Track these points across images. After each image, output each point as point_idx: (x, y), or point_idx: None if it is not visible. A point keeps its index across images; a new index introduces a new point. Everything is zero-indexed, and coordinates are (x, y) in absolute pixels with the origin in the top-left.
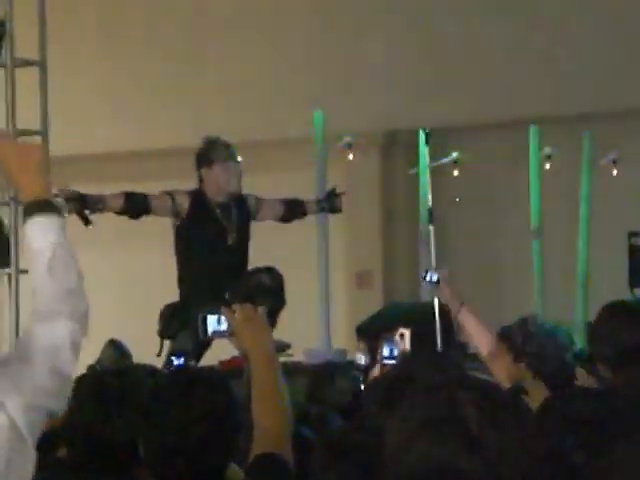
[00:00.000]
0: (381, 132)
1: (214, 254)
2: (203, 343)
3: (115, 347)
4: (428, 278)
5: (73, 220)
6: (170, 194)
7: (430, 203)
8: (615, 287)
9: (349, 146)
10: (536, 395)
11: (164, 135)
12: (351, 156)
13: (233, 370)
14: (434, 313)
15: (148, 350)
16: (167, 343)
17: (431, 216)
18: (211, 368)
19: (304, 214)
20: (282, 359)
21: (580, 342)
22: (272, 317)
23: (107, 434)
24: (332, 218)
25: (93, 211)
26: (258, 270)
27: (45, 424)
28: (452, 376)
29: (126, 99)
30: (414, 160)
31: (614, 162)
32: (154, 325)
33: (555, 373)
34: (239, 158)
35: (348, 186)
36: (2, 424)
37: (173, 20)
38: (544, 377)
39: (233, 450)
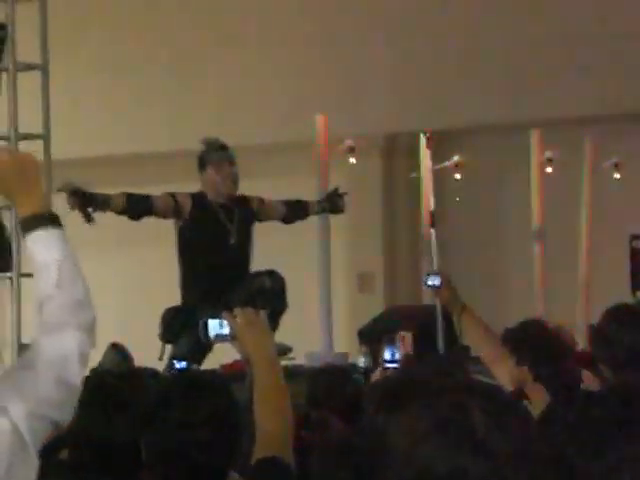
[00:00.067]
0: (382, 135)
1: (216, 255)
2: (205, 347)
3: (117, 351)
4: (430, 282)
5: (74, 224)
6: (172, 195)
7: (432, 206)
8: (617, 289)
9: (351, 149)
10: (538, 398)
11: (165, 139)
12: (353, 159)
13: (235, 374)
14: (436, 316)
15: (150, 354)
16: (169, 347)
17: (433, 219)
18: (213, 371)
19: (306, 215)
20: (283, 362)
21: (582, 344)
22: (274, 320)
23: (109, 437)
24: (334, 221)
25: (95, 209)
26: (260, 273)
27: (49, 434)
28: (458, 380)
29: (127, 103)
30: (416, 163)
31: (615, 165)
32: (155, 329)
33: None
34: (233, 159)
35: (349, 189)
36: (5, 429)
37: (173, 22)
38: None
39: (235, 454)
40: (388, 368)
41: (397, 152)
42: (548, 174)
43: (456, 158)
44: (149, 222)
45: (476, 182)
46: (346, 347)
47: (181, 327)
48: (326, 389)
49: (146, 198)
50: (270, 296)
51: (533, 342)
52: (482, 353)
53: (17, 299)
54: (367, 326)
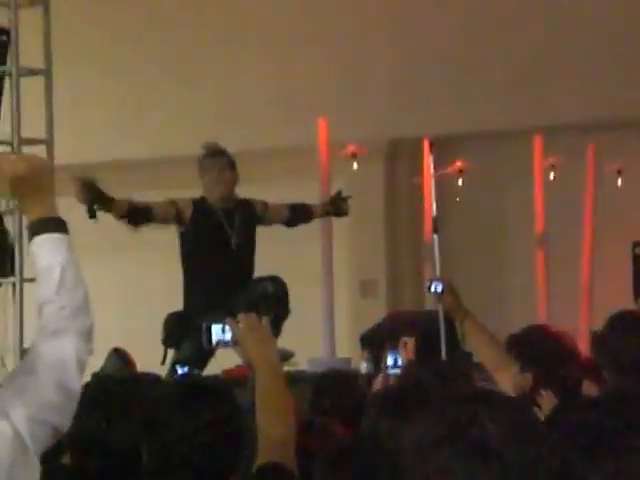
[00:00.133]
0: (385, 141)
1: (216, 259)
2: (207, 352)
3: (119, 356)
4: (433, 288)
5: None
6: (173, 202)
7: (434, 212)
8: (619, 296)
9: (353, 155)
10: (548, 405)
11: (167, 144)
12: (355, 165)
13: (237, 379)
14: (438, 322)
15: (152, 358)
16: (171, 352)
17: (435, 225)
18: (215, 377)
19: (310, 218)
20: (286, 368)
21: (584, 350)
22: (276, 326)
23: (111, 442)
24: (336, 227)
25: (100, 207)
26: (262, 279)
27: (50, 439)
28: (471, 388)
29: (130, 108)
30: (418, 169)
31: (618, 172)
32: (157, 333)
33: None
34: (224, 164)
35: (352, 194)
36: (6, 434)
37: (174, 27)
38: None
39: (237, 459)
40: (391, 374)
41: (399, 157)
42: (550, 180)
43: (458, 164)
44: (151, 226)
45: (478, 188)
46: (348, 353)
47: (183, 332)
48: (329, 394)
49: (147, 207)
50: (273, 302)
51: (537, 348)
52: (484, 359)
53: (20, 304)
54: (369, 332)
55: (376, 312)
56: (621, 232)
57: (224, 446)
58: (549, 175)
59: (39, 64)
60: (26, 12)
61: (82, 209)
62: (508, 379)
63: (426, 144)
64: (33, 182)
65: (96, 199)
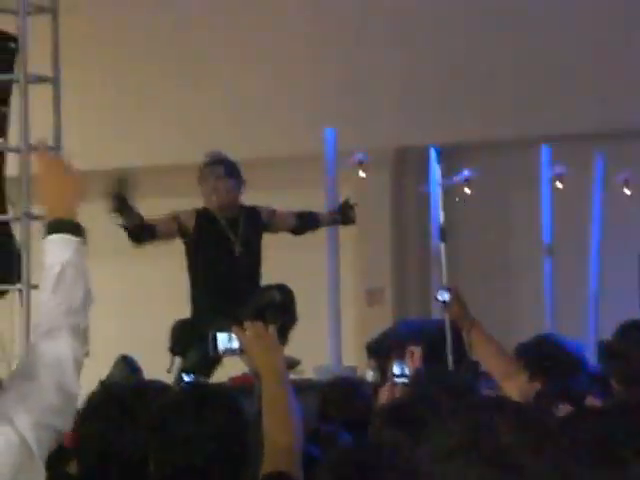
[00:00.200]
0: (392, 149)
1: (220, 267)
2: (214, 360)
3: (126, 363)
4: (440, 297)
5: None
6: (175, 216)
7: (442, 221)
8: (627, 305)
9: (360, 163)
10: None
11: (176, 151)
12: (362, 173)
13: (243, 387)
14: (445, 331)
15: (158, 366)
16: (177, 359)
17: (442, 234)
18: (221, 385)
19: (317, 226)
20: (292, 376)
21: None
22: (283, 334)
23: (117, 450)
24: (343, 235)
25: (124, 219)
26: (269, 287)
27: (53, 442)
28: (485, 396)
29: (137, 116)
30: (425, 177)
31: (625, 181)
32: (164, 341)
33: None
34: (219, 173)
35: (358, 203)
36: (12, 440)
37: (186, 36)
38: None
39: (243, 467)
40: (397, 383)
41: (407, 166)
42: (558, 190)
43: (466, 173)
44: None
45: (486, 197)
46: (354, 361)
47: (190, 340)
48: (336, 403)
49: (151, 225)
50: (280, 310)
51: (547, 358)
52: (492, 368)
53: (27, 311)
54: (376, 340)
55: (382, 321)
56: (628, 242)
57: (230, 454)
58: (556, 184)
59: (46, 71)
60: (35, 19)
61: (91, 213)
62: (515, 388)
63: (434, 153)
64: (53, 184)
65: (121, 210)
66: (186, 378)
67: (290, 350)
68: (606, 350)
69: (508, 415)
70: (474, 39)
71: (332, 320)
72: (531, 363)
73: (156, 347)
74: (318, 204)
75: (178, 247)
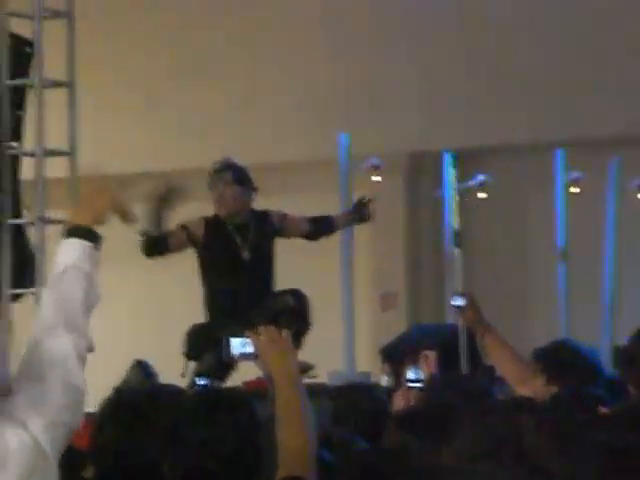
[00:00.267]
0: (407, 154)
1: (229, 272)
2: (228, 365)
3: (141, 368)
4: (454, 302)
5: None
6: (183, 227)
7: (456, 226)
8: None
9: (375, 168)
10: None
11: (189, 155)
12: (377, 178)
13: (257, 391)
14: (459, 336)
15: (175, 370)
16: (191, 364)
17: (457, 239)
18: (235, 389)
19: (332, 230)
20: (306, 381)
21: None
22: (297, 339)
23: (133, 454)
24: (357, 239)
25: (154, 219)
26: (283, 292)
27: (68, 440)
28: (513, 399)
29: (152, 120)
30: (440, 182)
31: None
32: (178, 345)
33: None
34: (223, 180)
35: (373, 208)
36: (26, 442)
37: (200, 40)
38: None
39: (257, 472)
40: (412, 388)
41: (421, 171)
42: (573, 195)
43: (481, 177)
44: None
45: (501, 202)
46: (367, 366)
47: (205, 344)
48: (350, 408)
49: (164, 239)
50: (294, 315)
51: (564, 362)
52: (506, 373)
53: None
54: (390, 345)
55: (396, 325)
56: None
57: (245, 458)
58: (571, 189)
59: (61, 75)
60: (50, 24)
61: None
62: (530, 393)
63: (449, 158)
64: (87, 196)
65: (159, 214)
66: (200, 382)
67: (304, 355)
68: (622, 355)
69: (536, 418)
70: (490, 43)
71: (346, 325)
72: (548, 367)
73: (173, 351)
74: (332, 209)
75: (194, 253)
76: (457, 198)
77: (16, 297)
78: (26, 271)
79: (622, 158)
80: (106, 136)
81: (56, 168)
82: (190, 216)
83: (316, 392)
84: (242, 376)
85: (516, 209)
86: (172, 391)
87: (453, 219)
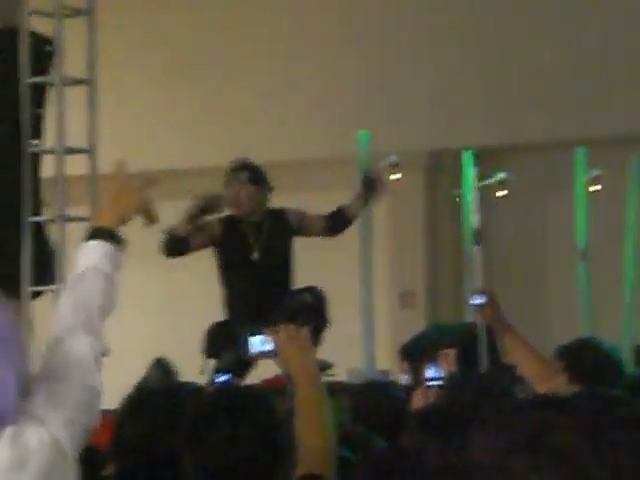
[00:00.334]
0: (426, 152)
1: (241, 272)
2: (247, 363)
3: (161, 365)
4: (473, 301)
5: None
6: (201, 227)
7: (476, 224)
8: None
9: (394, 165)
10: None
11: (210, 154)
12: (396, 176)
13: (276, 389)
14: (478, 334)
15: (192, 368)
16: (211, 362)
17: (477, 237)
18: (254, 386)
19: (349, 219)
20: (325, 379)
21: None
22: (316, 337)
23: (153, 452)
24: (375, 237)
25: (188, 221)
26: (301, 290)
27: (85, 440)
28: (544, 396)
29: (172, 118)
30: (459, 180)
31: None
32: (198, 343)
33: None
34: (238, 179)
35: (392, 206)
36: (45, 440)
37: (220, 39)
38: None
39: (277, 469)
40: (431, 386)
41: (441, 169)
42: (593, 193)
43: (500, 175)
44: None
45: (521, 200)
46: (386, 364)
47: (224, 342)
48: (369, 406)
49: (184, 239)
50: (312, 313)
51: (589, 361)
52: (527, 372)
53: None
54: (409, 343)
55: (415, 324)
56: None
57: (264, 456)
58: (591, 188)
59: (80, 73)
60: (68, 21)
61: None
62: (551, 392)
63: (469, 156)
64: (112, 197)
65: (195, 218)
66: (219, 378)
67: (323, 353)
68: None
69: (570, 416)
70: (509, 42)
71: (365, 323)
72: (571, 366)
73: (194, 348)
74: None
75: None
76: (477, 196)
77: (36, 295)
78: (46, 269)
79: None
80: (127, 134)
81: (76, 166)
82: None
83: (335, 390)
84: (260, 374)
85: (536, 207)
86: (192, 388)
87: (472, 217)
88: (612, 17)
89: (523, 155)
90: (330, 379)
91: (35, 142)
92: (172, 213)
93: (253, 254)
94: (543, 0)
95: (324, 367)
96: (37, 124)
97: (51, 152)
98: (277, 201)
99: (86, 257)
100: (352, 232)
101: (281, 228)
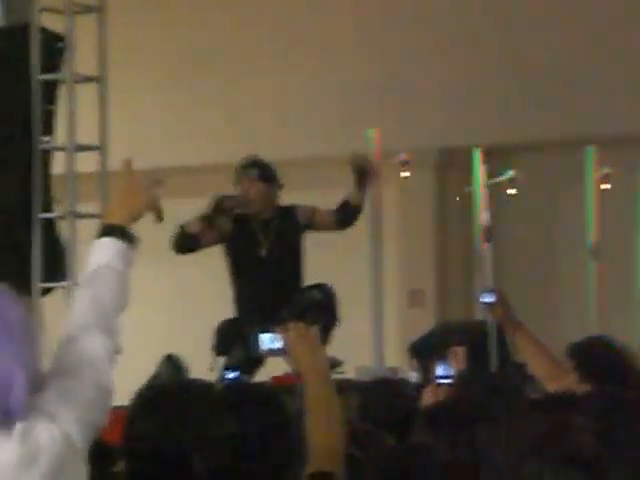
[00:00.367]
0: (436, 149)
1: (248, 268)
2: (257, 360)
3: (171, 362)
4: (484, 299)
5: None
6: (212, 224)
7: (486, 222)
8: None
9: (404, 163)
10: None
11: (220, 151)
12: (406, 173)
13: (285, 386)
14: (488, 332)
15: (202, 365)
16: (220, 359)
17: (487, 234)
18: (264, 383)
19: (357, 212)
20: (334, 376)
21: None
22: (325, 334)
23: (164, 449)
24: (385, 235)
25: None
26: (310, 287)
27: (94, 437)
28: (560, 395)
29: (183, 116)
30: (469, 177)
31: None
32: (207, 339)
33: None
34: (248, 176)
35: (402, 203)
36: (56, 436)
37: (226, 36)
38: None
39: (287, 466)
40: (441, 384)
41: (451, 166)
42: (604, 191)
43: (511, 173)
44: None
45: (531, 198)
46: (395, 362)
47: (234, 340)
48: (378, 404)
49: (194, 235)
50: (322, 310)
51: (600, 359)
52: (537, 371)
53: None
54: (418, 341)
55: (423, 322)
56: None
57: (274, 453)
58: (602, 186)
59: (91, 70)
60: (79, 18)
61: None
62: (561, 390)
63: (479, 153)
64: (122, 195)
65: (212, 217)
66: (229, 375)
67: (332, 351)
68: None
69: (586, 417)
70: (520, 40)
71: (374, 321)
72: (583, 364)
73: (204, 345)
74: None
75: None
76: (487, 194)
77: (46, 291)
78: (57, 265)
79: None
80: (137, 131)
81: (87, 163)
82: None
83: (344, 388)
84: (270, 372)
85: (546, 206)
86: (202, 385)
87: (482, 215)
88: (628, 15)
89: (533, 153)
90: (339, 377)
91: (46, 139)
92: (182, 210)
93: (261, 251)
94: None
95: (333, 365)
96: (48, 121)
97: (62, 149)
98: (287, 199)
99: (98, 254)
100: (362, 229)
101: (290, 225)
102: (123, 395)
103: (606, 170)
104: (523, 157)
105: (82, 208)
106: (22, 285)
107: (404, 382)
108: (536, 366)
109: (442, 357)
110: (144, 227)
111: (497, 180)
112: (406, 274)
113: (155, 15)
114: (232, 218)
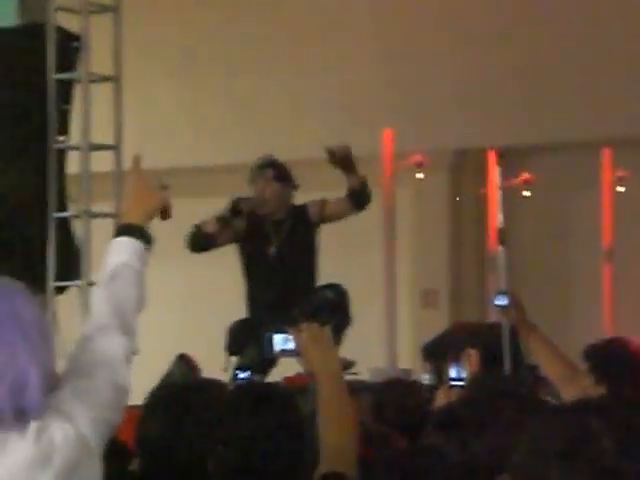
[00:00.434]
0: (451, 151)
1: (260, 268)
2: (269, 361)
3: (184, 362)
4: (498, 302)
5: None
6: (229, 223)
7: (500, 223)
8: None
9: (418, 165)
10: None
11: (235, 151)
12: (420, 175)
13: (298, 387)
14: (502, 334)
15: (215, 365)
16: (233, 359)
17: (502, 236)
18: (277, 383)
19: (365, 194)
20: (347, 377)
21: None
22: (338, 334)
23: (177, 447)
24: (399, 236)
25: (218, 219)
26: (324, 287)
27: (110, 436)
28: (585, 400)
29: (198, 115)
30: (484, 179)
31: None
32: (220, 339)
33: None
34: (262, 177)
35: (416, 205)
36: (71, 436)
37: (247, 36)
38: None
39: (299, 466)
40: (454, 386)
41: (465, 168)
42: (619, 193)
43: (525, 175)
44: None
45: (545, 200)
46: (407, 363)
47: (246, 340)
48: (391, 405)
49: (210, 235)
50: (334, 310)
51: (616, 362)
52: (551, 373)
53: (86, 308)
54: (432, 343)
55: (436, 323)
56: None
57: (287, 453)
58: (617, 188)
59: (106, 69)
60: (94, 18)
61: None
62: (575, 393)
63: (493, 155)
64: (136, 194)
65: (228, 218)
66: (241, 375)
67: (345, 351)
68: None
69: (609, 422)
70: (535, 41)
71: (387, 321)
72: (599, 366)
73: (217, 345)
74: (375, 205)
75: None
76: (501, 196)
77: (60, 290)
78: (71, 264)
79: None
80: (153, 131)
81: (101, 162)
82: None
83: (357, 389)
84: (282, 372)
85: (561, 208)
86: (215, 385)
87: (497, 217)
88: (634, 17)
89: (548, 155)
90: (352, 378)
91: (61, 138)
92: (198, 210)
93: (270, 250)
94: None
95: (346, 366)
96: (63, 120)
97: (76, 148)
98: (302, 199)
99: (117, 254)
100: (376, 230)
101: (301, 224)
102: (136, 394)
103: (620, 172)
104: (537, 159)
105: (96, 207)
106: (36, 284)
107: (417, 384)
108: (550, 368)
109: (455, 359)
110: (159, 227)
111: (512, 182)
112: (420, 275)
113: (171, 15)
114: (246, 218)
